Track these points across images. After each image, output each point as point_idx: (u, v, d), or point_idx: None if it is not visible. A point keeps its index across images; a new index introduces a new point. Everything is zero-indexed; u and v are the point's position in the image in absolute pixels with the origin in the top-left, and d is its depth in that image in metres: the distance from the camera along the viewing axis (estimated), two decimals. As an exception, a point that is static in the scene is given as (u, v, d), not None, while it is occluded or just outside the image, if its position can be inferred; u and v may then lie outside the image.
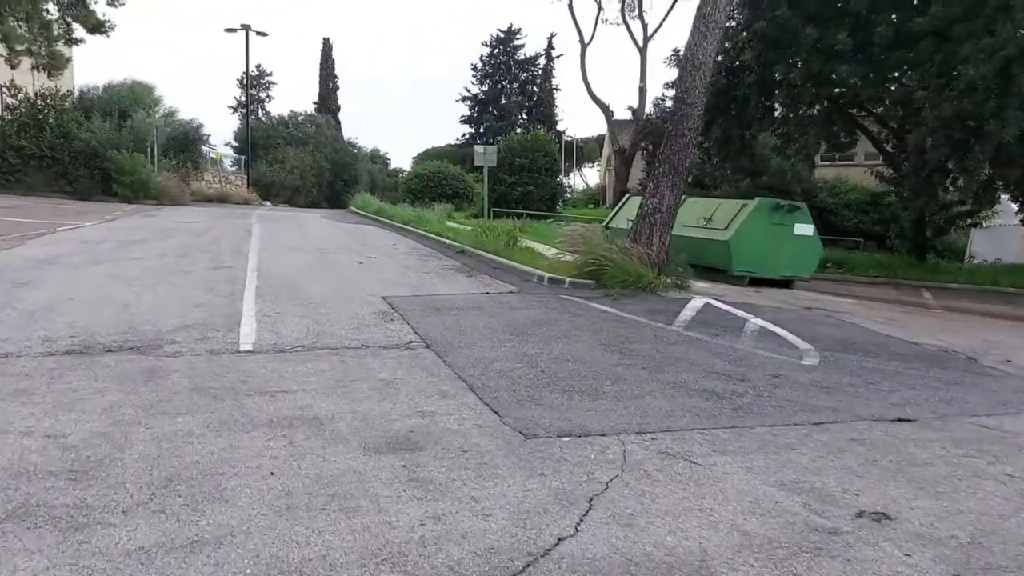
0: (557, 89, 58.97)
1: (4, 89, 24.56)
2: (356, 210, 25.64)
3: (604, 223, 14.52)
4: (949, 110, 11.50)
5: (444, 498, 3.16)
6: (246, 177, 35.30)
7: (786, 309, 9.11)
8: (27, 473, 3.25)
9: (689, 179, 25.40)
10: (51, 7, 28.05)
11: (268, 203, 32.35)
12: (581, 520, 3.00)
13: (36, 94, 24.45)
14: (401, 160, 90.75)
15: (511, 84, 58.28)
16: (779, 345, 6.88)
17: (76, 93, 29.86)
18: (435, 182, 30.77)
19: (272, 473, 3.36)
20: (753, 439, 4.13)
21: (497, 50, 57.71)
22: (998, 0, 11.13)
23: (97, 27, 29.68)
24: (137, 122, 25.87)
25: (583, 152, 63.46)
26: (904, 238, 16.75)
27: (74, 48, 30.71)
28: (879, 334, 7.95)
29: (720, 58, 9.34)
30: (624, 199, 15.21)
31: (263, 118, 50.62)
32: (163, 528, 2.80)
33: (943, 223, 16.17)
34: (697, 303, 8.69)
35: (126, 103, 28.57)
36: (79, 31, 29.77)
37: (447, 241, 14.12)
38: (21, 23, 26.46)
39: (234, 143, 47.54)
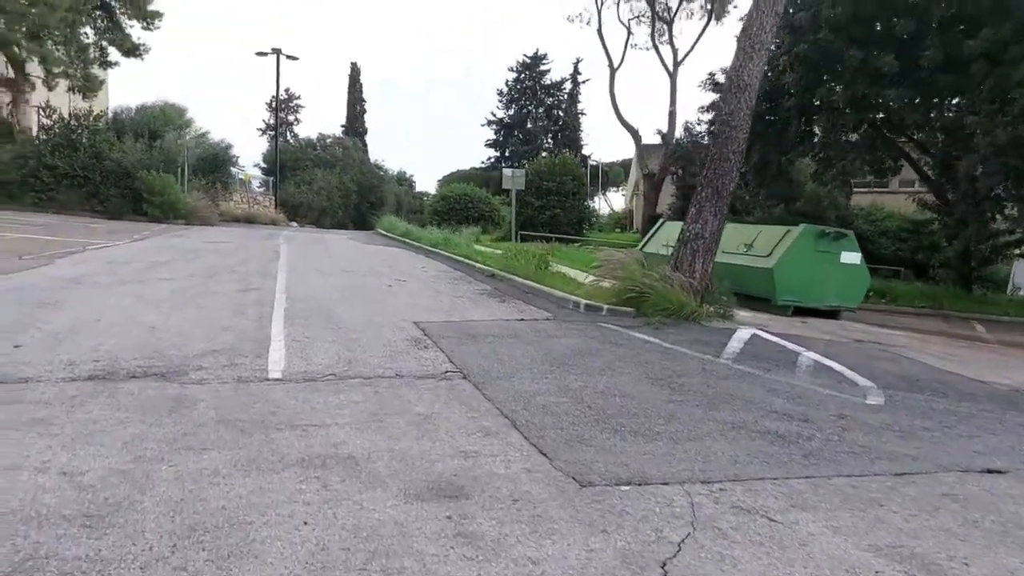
0: (583, 113, 59.03)
1: (40, 110, 24.96)
2: (383, 232, 25.54)
3: (638, 248, 14.15)
4: (1003, 137, 11.03)
5: (498, 559, 2.80)
6: (274, 198, 35.50)
7: (838, 342, 8.65)
8: (39, 517, 2.95)
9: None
10: (88, 30, 28.65)
11: (295, 224, 32.44)
12: (656, 590, 2.62)
13: (70, 115, 24.81)
14: (426, 183, 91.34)
15: (537, 108, 58.44)
16: (837, 382, 6.44)
17: (110, 114, 30.35)
18: (461, 205, 30.68)
19: (305, 523, 3.02)
20: (833, 492, 3.71)
21: (523, 75, 58.01)
22: (1055, 21, 10.72)
23: (132, 50, 30.28)
24: (168, 143, 26.13)
25: (608, 176, 63.30)
26: (948, 267, 16.15)
27: (109, 70, 31.33)
28: (941, 371, 7.46)
29: (757, 82, 9.03)
30: (658, 224, 14.85)
31: (291, 140, 51.20)
32: (185, 590, 2.47)
33: (989, 253, 15.56)
34: (744, 334, 8.27)
35: (158, 124, 28.96)
36: (114, 54, 30.41)
37: (477, 265, 13.83)
38: (59, 46, 27.01)
39: (262, 164, 48.08)
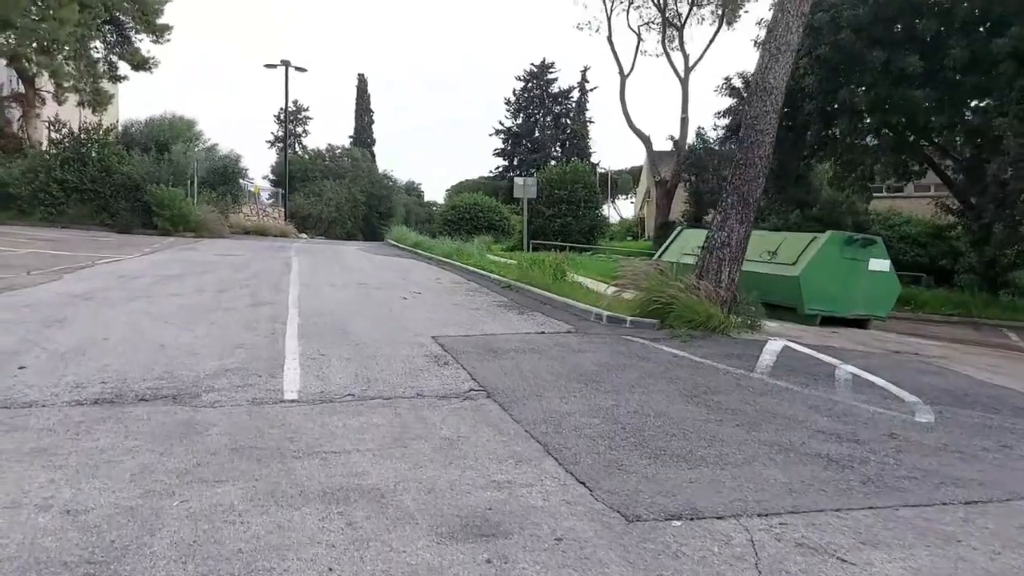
0: (591, 122, 58.91)
1: (50, 124, 24.96)
2: (394, 243, 25.34)
3: (654, 257, 13.85)
4: (1036, 139, 10.69)
5: (547, 611, 2.51)
6: (283, 210, 35.42)
7: (874, 353, 8.31)
8: (37, 565, 2.68)
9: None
10: (98, 44, 28.69)
11: (305, 235, 32.32)
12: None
13: (80, 129, 24.78)
14: (433, 192, 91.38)
15: (545, 117, 58.38)
16: (881, 397, 6.10)
17: (120, 128, 30.37)
18: (471, 214, 30.52)
19: (331, 569, 2.74)
20: (903, 526, 3.39)
21: (531, 84, 58.00)
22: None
23: (141, 64, 30.36)
24: (177, 155, 26.06)
25: (617, 184, 63.07)
26: (974, 273, 15.75)
27: (119, 84, 31.39)
28: (988, 384, 7.11)
29: (784, 84, 8.74)
30: (676, 232, 14.54)
31: (300, 152, 51.26)
32: (199, 656, 2.19)
33: (1016, 258, 15.16)
34: (775, 346, 7.94)
35: (167, 137, 28.92)
36: (124, 68, 30.47)
37: (492, 275, 13.56)
38: (69, 61, 27.05)
39: (271, 176, 48.21)
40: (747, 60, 78.28)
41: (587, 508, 3.42)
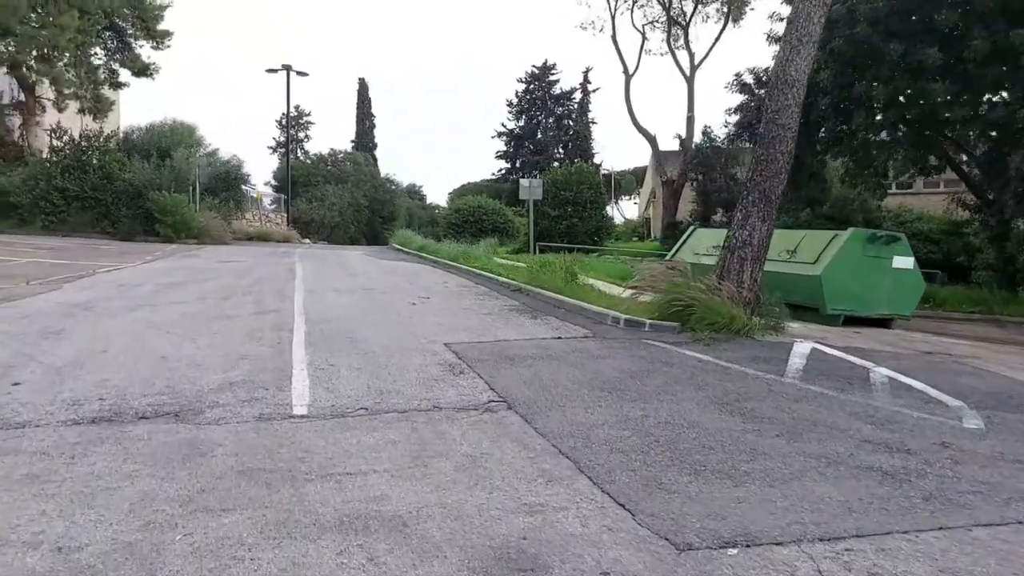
0: (593, 123, 58.48)
1: (51, 131, 24.75)
2: (398, 247, 25.06)
3: (666, 257, 13.53)
4: (1059, 131, 10.35)
5: (603, 664, 2.19)
6: (286, 215, 35.17)
7: (905, 354, 7.98)
8: (23, 615, 2.37)
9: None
10: (98, 50, 28.48)
11: (308, 241, 32.06)
12: None
13: (81, 136, 24.55)
14: (435, 195, 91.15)
15: (547, 119, 58.01)
16: (923, 402, 5.78)
17: (121, 134, 30.14)
18: (476, 217, 30.22)
19: (353, 615, 2.43)
20: (981, 550, 3.07)
21: (532, 86, 57.63)
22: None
23: (142, 70, 30.13)
24: (178, 161, 25.83)
25: (620, 185, 62.76)
26: (992, 270, 15.39)
27: (119, 91, 31.17)
28: (1030, 385, 6.78)
29: (806, 77, 8.44)
30: (688, 231, 14.21)
31: (302, 157, 51.03)
32: None
33: (1033, 254, 14.79)
34: (802, 348, 7.62)
35: (168, 143, 28.69)
36: (124, 75, 30.25)
37: (501, 279, 13.25)
38: (69, 68, 26.84)
39: (273, 182, 47.94)
40: (754, 57, 77.98)
41: (631, 535, 3.11)
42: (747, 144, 21.05)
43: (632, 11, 31.08)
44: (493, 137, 58.47)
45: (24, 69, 26.02)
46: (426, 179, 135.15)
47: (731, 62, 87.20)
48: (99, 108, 28.13)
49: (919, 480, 3.93)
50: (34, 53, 25.33)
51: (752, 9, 28.38)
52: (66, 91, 26.65)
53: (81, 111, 28.03)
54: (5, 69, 26.40)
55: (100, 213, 23.68)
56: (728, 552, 2.96)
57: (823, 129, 14.36)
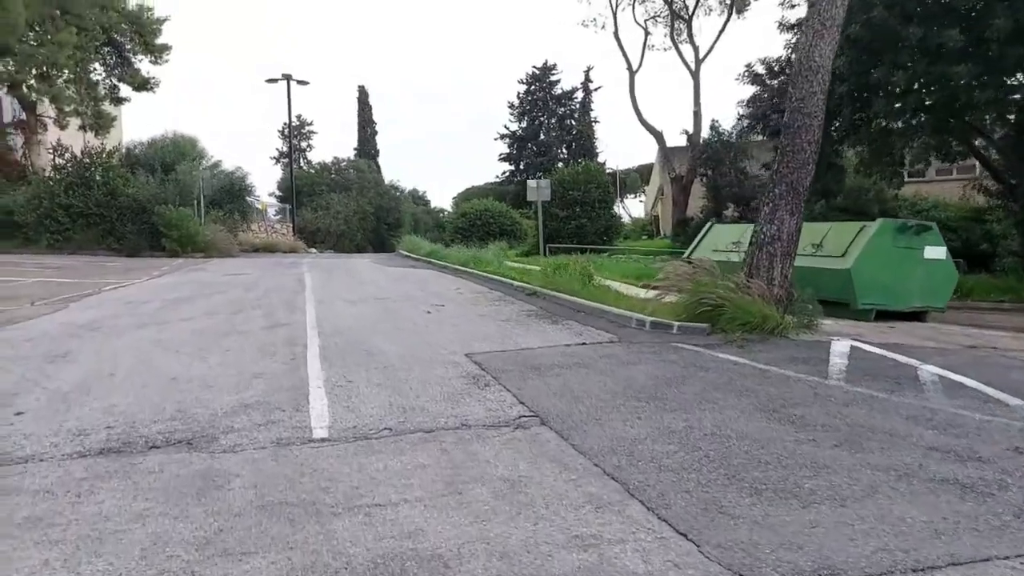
0: (596, 122, 58.10)
1: (53, 149, 24.58)
2: (406, 253, 24.77)
3: (684, 255, 13.18)
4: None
5: None
6: (291, 225, 34.96)
7: (948, 349, 7.61)
8: None
9: (754, 204, 24.01)
10: (98, 66, 28.33)
11: (314, 250, 31.84)
12: None
13: (83, 152, 24.38)
14: (439, 199, 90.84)
15: (549, 119, 57.68)
16: (980, 401, 5.42)
17: (123, 149, 29.99)
18: (483, 220, 29.96)
19: None
20: (1099, 576, 2.73)
21: (534, 87, 57.33)
22: None
23: (142, 85, 30.00)
24: (182, 175, 25.62)
25: (625, 184, 62.40)
26: (1017, 256, 14.97)
27: (120, 106, 31.03)
28: (1088, 379, 6.40)
29: (830, 63, 8.12)
30: (706, 227, 13.85)
31: (305, 166, 50.84)
32: None
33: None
34: (841, 347, 7.27)
35: (171, 157, 28.50)
36: (125, 90, 30.11)
37: (514, 283, 12.93)
38: (69, 85, 26.70)
39: (277, 192, 47.76)
40: (760, 48, 77.40)
41: (701, 571, 2.78)
42: (759, 137, 20.67)
43: (634, 7, 30.81)
44: (496, 139, 58.18)
45: (24, 88, 25.89)
46: (429, 183, 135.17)
47: (737, 55, 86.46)
48: (100, 124, 27.98)
49: (1002, 493, 3.58)
50: (34, 71, 25.19)
51: None
52: (67, 108, 26.52)
53: (82, 128, 27.88)
54: (5, 89, 26.28)
55: (105, 229, 23.48)
56: (815, 590, 2.62)
57: (840, 117, 13.98)
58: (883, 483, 3.71)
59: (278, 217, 37.79)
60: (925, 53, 11.90)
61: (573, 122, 57.49)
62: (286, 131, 45.95)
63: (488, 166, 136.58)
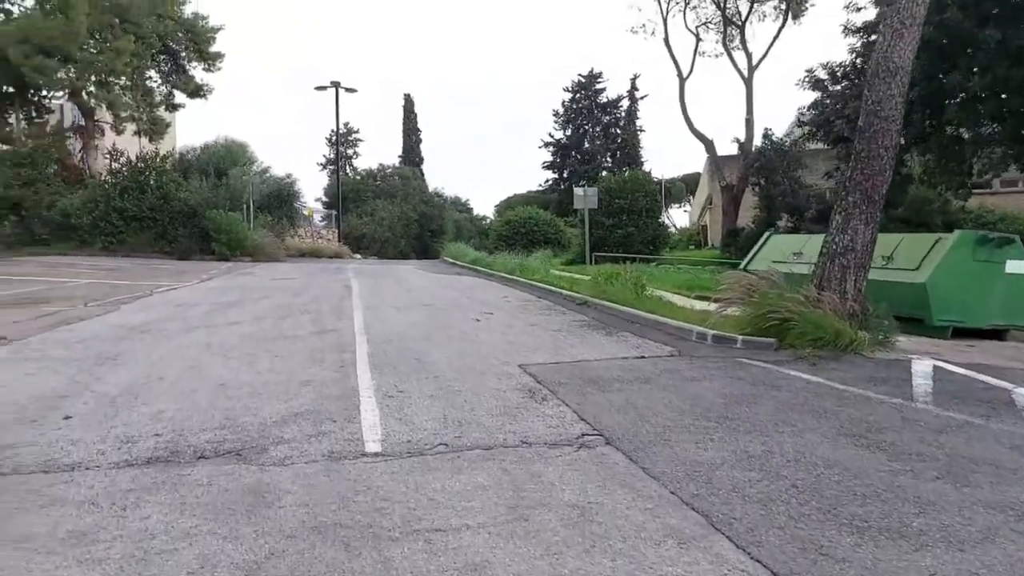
0: (641, 130, 57.46)
1: (109, 154, 25.23)
2: (450, 260, 24.66)
3: (740, 266, 12.69)
4: None
5: None
6: (336, 231, 35.26)
7: (1042, 371, 7.05)
8: None
9: (809, 214, 23.23)
10: (153, 73, 29.05)
11: (359, 256, 32.01)
12: None
13: (138, 157, 24.97)
14: (481, 206, 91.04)
15: (594, 128, 57.27)
16: (1093, 431, 4.91)
17: (177, 155, 30.67)
18: (527, 228, 29.74)
19: None
20: None
21: (579, 95, 57.03)
22: None
23: (196, 92, 30.65)
24: (233, 179, 26.03)
25: (670, 193, 61.54)
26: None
27: (175, 112, 31.76)
28: None
29: (910, 64, 7.65)
30: (764, 238, 13.34)
31: (351, 173, 51.42)
32: None
33: None
34: (922, 367, 6.77)
35: (223, 163, 29.01)
36: (179, 96, 30.80)
37: (563, 291, 12.62)
38: (126, 91, 27.42)
39: (324, 198, 48.43)
40: (817, 55, 75.53)
41: (811, 626, 2.43)
42: (819, 144, 19.98)
43: (684, 13, 30.30)
44: (540, 147, 57.98)
45: (83, 94, 26.67)
46: (471, 190, 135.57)
47: (791, 61, 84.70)
48: (155, 130, 28.65)
49: None
50: (93, 78, 25.93)
51: (812, 5, 27.28)
52: (123, 114, 27.22)
53: (137, 133, 28.60)
54: (66, 95, 27.11)
55: (158, 233, 23.95)
56: (953, 656, 2.25)
57: (909, 124, 13.34)
58: (1002, 524, 3.29)
59: (324, 223, 38.22)
60: (1004, 56, 11.24)
61: (618, 130, 56.96)
62: (333, 138, 46.51)
63: (523, 171, 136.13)
